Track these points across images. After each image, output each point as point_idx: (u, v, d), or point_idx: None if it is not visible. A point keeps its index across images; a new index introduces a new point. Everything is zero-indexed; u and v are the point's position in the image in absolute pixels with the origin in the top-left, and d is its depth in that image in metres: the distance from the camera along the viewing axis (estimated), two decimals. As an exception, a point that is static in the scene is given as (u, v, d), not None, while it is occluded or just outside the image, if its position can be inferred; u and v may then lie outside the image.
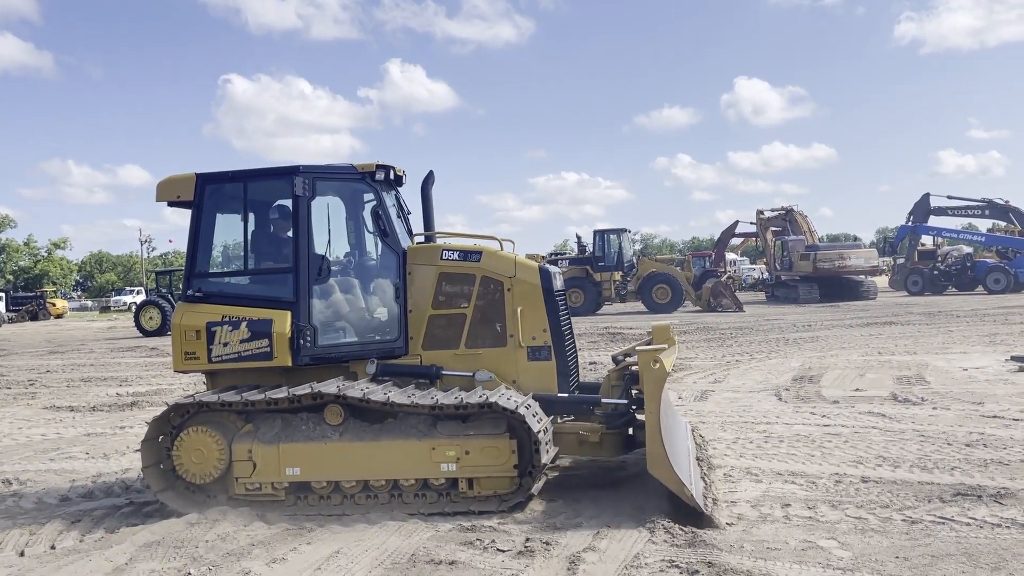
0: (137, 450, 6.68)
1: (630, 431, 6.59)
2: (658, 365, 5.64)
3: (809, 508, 5.73)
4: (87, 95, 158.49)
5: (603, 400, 6.62)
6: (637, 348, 6.03)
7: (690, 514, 5.59)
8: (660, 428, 5.49)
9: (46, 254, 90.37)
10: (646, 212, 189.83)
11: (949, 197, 39.94)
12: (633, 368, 6.62)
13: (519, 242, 7.29)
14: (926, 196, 39.99)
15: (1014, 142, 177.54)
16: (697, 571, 4.59)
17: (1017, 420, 8.33)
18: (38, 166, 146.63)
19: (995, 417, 8.56)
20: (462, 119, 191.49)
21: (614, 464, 7.30)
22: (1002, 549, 4.76)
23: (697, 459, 6.89)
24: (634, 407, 6.51)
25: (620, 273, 32.59)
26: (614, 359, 7.32)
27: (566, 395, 6.56)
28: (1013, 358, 12.80)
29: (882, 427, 8.36)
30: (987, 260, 37.61)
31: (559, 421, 6.67)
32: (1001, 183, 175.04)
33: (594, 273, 32.35)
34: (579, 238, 36.60)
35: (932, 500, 5.78)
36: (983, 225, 44.06)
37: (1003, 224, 40.21)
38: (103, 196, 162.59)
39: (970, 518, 5.34)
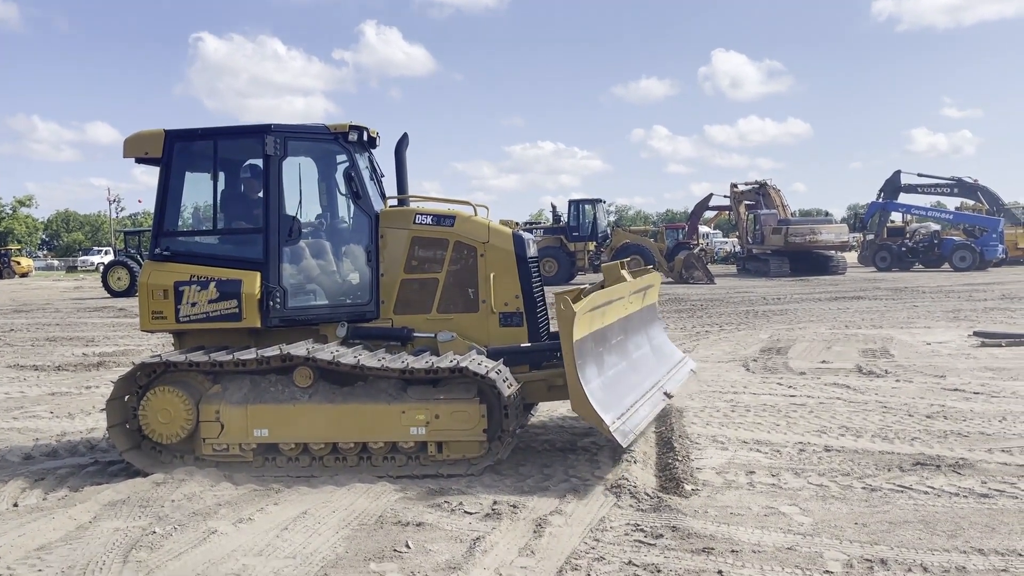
0: (102, 409, 6.62)
1: None
2: (565, 307, 5.62)
3: (773, 475, 5.82)
4: (54, 49, 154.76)
5: None
6: (556, 292, 6.08)
7: (658, 478, 5.67)
8: (576, 368, 5.55)
9: (11, 211, 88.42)
10: (621, 183, 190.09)
11: (919, 175, 40.37)
12: None
13: (494, 210, 7.26)
14: (897, 173, 40.35)
15: (986, 121, 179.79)
16: (661, 535, 4.66)
17: (977, 393, 8.51)
18: (2, 121, 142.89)
19: (956, 390, 8.73)
20: (439, 84, 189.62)
21: (582, 429, 7.36)
22: (959, 517, 4.88)
23: (666, 394, 6.90)
24: None
25: (594, 243, 32.67)
26: None
27: (528, 344, 6.57)
28: (976, 333, 13.04)
29: (846, 398, 8.50)
30: (954, 238, 38.12)
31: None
32: (971, 162, 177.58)
33: (568, 243, 32.40)
34: (554, 208, 36.61)
35: (892, 469, 5.90)
36: (952, 203, 44.57)
37: (971, 203, 40.76)
38: (70, 153, 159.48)
39: (928, 487, 5.46)
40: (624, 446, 5.69)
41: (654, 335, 7.92)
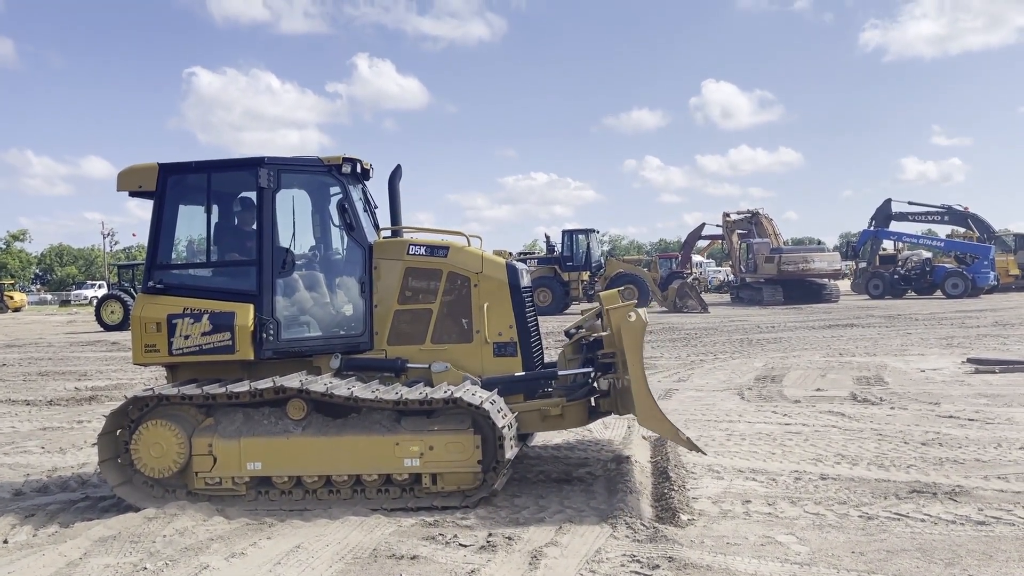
0: (94, 444, 6.56)
1: (592, 401, 6.64)
2: (635, 317, 5.74)
3: (769, 504, 5.79)
4: (48, 84, 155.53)
5: (560, 372, 6.65)
6: (608, 308, 6.10)
7: (654, 508, 5.64)
8: (646, 380, 5.58)
9: (4, 246, 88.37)
10: (615, 213, 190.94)
11: (910, 203, 40.68)
12: (592, 337, 6.71)
13: (488, 241, 7.32)
14: (888, 201, 40.67)
15: (975, 149, 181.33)
16: (658, 566, 4.62)
17: (972, 420, 8.51)
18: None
19: (951, 417, 8.73)
20: (433, 116, 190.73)
21: (577, 460, 7.32)
22: (956, 545, 4.86)
23: None
24: (598, 373, 6.55)
25: (588, 273, 32.73)
26: (567, 333, 7.37)
27: (522, 373, 6.57)
28: (969, 360, 13.06)
29: (841, 426, 8.48)
30: (945, 265, 38.30)
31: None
32: (961, 189, 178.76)
33: (562, 273, 32.46)
34: (548, 238, 36.70)
35: (888, 497, 5.88)
36: (943, 231, 44.85)
37: (962, 230, 41.04)
38: (64, 188, 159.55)
39: (925, 515, 5.44)
40: (706, 453, 6.00)
41: None
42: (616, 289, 7.29)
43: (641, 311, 5.98)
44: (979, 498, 5.76)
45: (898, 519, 5.37)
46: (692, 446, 5.74)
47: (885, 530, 5.17)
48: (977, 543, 4.88)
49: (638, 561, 4.70)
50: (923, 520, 5.33)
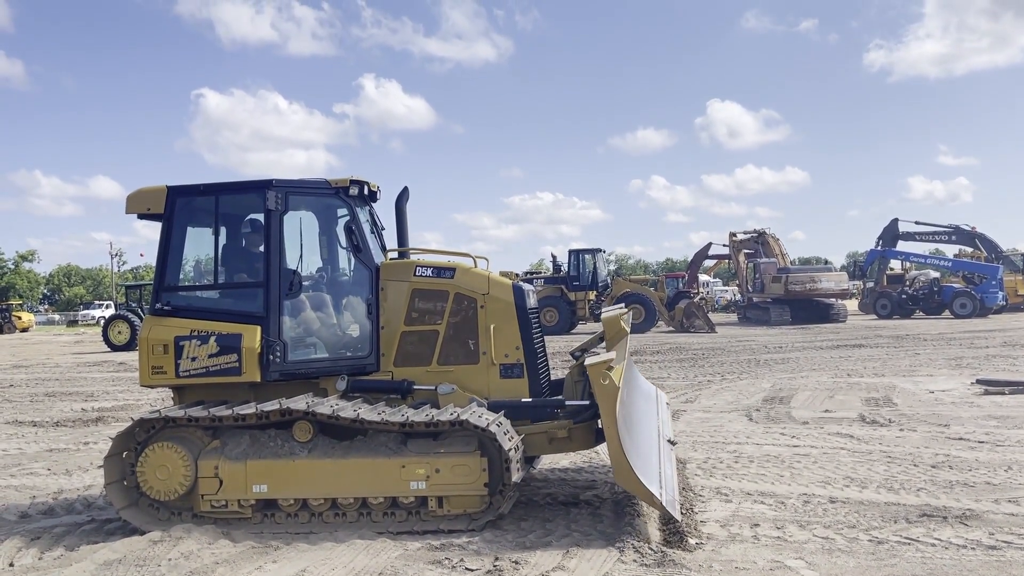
0: (100, 466, 6.56)
1: (599, 423, 6.58)
2: (607, 381, 5.50)
3: (778, 528, 5.75)
4: (57, 105, 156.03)
5: (567, 403, 6.62)
6: (586, 361, 6.01)
7: (662, 532, 5.60)
8: (621, 441, 5.40)
9: (13, 266, 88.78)
10: (621, 233, 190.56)
11: (917, 223, 40.67)
12: None
13: (495, 261, 7.35)
14: (895, 221, 40.66)
15: (982, 168, 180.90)
16: (666, 591, 4.58)
17: (982, 442, 8.44)
18: (5, 177, 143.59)
19: (960, 439, 8.66)
20: (440, 136, 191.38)
21: (584, 483, 7.29)
22: (967, 570, 4.80)
23: (669, 441, 6.88)
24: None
25: (594, 292, 32.70)
26: (573, 355, 7.34)
27: (529, 399, 6.53)
28: (978, 381, 12.98)
29: (850, 448, 8.43)
30: (954, 285, 38.17)
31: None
32: (968, 209, 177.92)
33: (569, 292, 32.45)
34: (554, 257, 36.74)
35: (898, 521, 5.83)
36: (950, 251, 44.76)
37: (969, 250, 40.95)
38: (72, 208, 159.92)
39: (935, 539, 5.38)
40: (679, 519, 5.52)
41: (635, 374, 7.84)
42: (618, 308, 7.25)
43: (615, 372, 5.67)
44: (990, 522, 5.71)
45: (908, 543, 5.32)
46: (665, 511, 5.45)
47: (895, 555, 5.12)
48: (988, 568, 4.83)
49: (646, 586, 4.66)
50: (934, 544, 5.28)
